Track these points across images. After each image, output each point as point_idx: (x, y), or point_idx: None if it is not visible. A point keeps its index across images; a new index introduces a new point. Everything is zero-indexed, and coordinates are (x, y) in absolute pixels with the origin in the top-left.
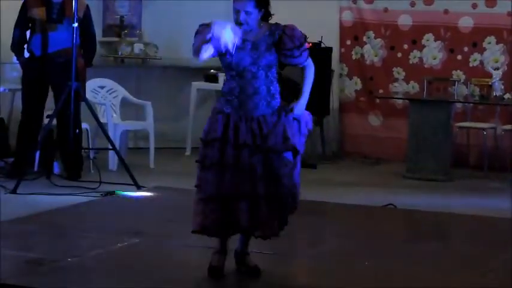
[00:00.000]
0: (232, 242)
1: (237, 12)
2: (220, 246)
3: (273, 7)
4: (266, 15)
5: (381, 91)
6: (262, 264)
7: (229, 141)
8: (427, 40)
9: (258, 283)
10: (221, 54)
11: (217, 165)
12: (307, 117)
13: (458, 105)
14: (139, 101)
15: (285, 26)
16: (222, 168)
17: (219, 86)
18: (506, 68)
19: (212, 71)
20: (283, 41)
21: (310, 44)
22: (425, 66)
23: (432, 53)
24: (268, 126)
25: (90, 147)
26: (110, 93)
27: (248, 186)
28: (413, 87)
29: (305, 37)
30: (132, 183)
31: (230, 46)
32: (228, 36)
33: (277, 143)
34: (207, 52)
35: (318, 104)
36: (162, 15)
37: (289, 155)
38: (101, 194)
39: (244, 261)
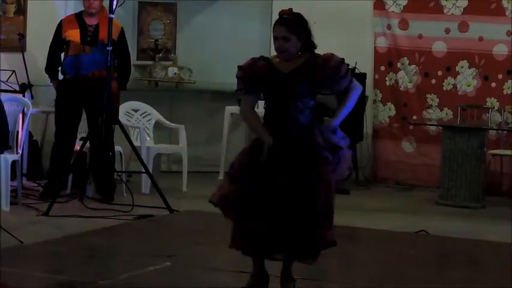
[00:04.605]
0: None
1: (275, 39)
2: (255, 269)
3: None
4: (308, 44)
5: (414, 117)
6: None
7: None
8: (462, 67)
9: None
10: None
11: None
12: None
13: (492, 132)
14: (173, 124)
15: (319, 56)
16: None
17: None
18: None
19: None
20: (318, 72)
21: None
22: (459, 93)
23: (466, 80)
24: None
25: (123, 170)
26: (143, 117)
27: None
28: (446, 114)
29: (342, 64)
30: (165, 206)
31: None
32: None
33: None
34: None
35: (352, 130)
36: (196, 39)
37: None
38: (134, 217)
39: (283, 286)
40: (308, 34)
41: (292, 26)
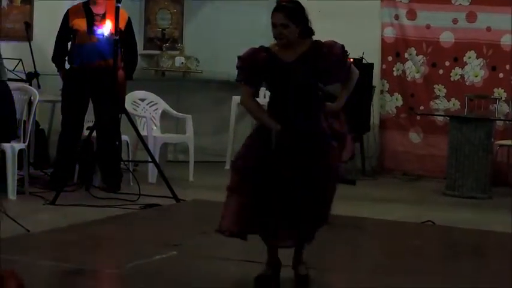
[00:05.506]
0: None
1: (273, 26)
2: (269, 257)
3: (315, 23)
4: (306, 31)
5: (421, 108)
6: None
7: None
8: (469, 57)
9: None
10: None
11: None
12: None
13: (499, 123)
14: (180, 114)
15: (323, 44)
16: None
17: (259, 100)
18: None
19: None
20: (322, 60)
21: (351, 60)
22: (467, 83)
23: (474, 70)
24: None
25: (130, 159)
26: (150, 106)
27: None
28: (454, 104)
29: (344, 50)
30: (171, 196)
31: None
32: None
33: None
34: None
35: (359, 120)
36: (203, 29)
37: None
38: (140, 207)
39: (295, 270)
40: (306, 21)
41: (291, 13)
